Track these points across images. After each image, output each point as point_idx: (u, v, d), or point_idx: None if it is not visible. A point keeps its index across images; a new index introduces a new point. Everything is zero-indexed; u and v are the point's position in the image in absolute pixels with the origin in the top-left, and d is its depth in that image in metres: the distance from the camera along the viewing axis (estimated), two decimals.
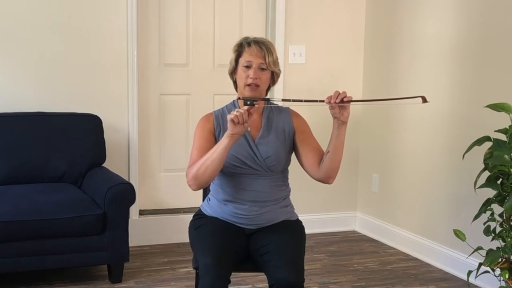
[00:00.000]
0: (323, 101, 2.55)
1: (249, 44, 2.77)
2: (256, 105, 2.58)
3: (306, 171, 2.81)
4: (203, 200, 2.99)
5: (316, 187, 3.44)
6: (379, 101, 2.86)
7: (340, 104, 2.53)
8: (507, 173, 3.10)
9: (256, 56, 2.74)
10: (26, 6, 4.26)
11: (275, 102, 2.88)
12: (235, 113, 2.52)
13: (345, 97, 2.53)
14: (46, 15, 4.31)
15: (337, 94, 2.54)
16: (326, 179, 2.75)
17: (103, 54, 4.45)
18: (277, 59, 2.80)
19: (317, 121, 3.42)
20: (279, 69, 2.82)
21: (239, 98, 2.80)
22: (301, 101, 2.62)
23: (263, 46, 2.76)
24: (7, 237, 3.56)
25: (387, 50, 4.80)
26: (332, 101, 2.53)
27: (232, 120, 2.52)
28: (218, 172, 2.68)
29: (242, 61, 2.76)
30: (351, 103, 2.54)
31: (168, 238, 4.68)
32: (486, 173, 3.21)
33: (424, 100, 2.54)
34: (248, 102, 2.57)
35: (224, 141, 2.59)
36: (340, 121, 2.59)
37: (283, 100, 2.80)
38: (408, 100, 2.62)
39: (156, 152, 4.79)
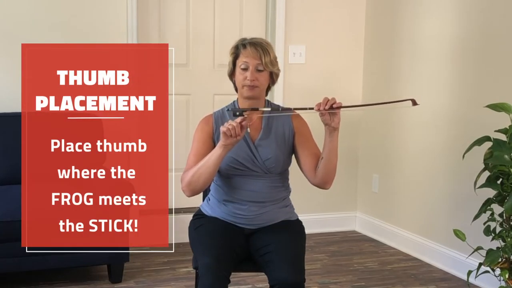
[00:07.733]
0: (312, 108, 2.55)
1: (244, 46, 2.76)
2: (246, 116, 2.57)
3: (304, 176, 2.81)
4: (203, 200, 2.99)
5: (315, 187, 3.44)
6: (369, 105, 2.84)
7: (329, 110, 2.53)
8: (507, 173, 3.10)
9: (252, 58, 2.73)
10: (26, 6, 4.26)
11: (264, 111, 2.80)
12: (227, 126, 2.52)
13: (334, 103, 2.52)
14: (46, 15, 4.31)
15: (326, 100, 2.53)
16: (323, 185, 2.76)
17: None
18: (275, 58, 2.78)
19: (317, 122, 3.40)
20: (278, 69, 2.80)
21: (228, 110, 2.79)
22: (290, 109, 2.63)
23: (259, 47, 2.74)
24: (7, 237, 3.56)
25: (387, 50, 4.80)
26: (322, 108, 2.53)
27: (225, 133, 2.53)
28: (212, 180, 2.70)
29: (239, 63, 2.75)
30: (341, 109, 2.54)
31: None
32: (486, 173, 3.21)
33: (414, 103, 2.53)
34: (238, 113, 2.57)
35: (217, 151, 2.60)
36: (331, 128, 2.59)
37: (272, 109, 2.78)
38: (399, 103, 2.62)
39: None
